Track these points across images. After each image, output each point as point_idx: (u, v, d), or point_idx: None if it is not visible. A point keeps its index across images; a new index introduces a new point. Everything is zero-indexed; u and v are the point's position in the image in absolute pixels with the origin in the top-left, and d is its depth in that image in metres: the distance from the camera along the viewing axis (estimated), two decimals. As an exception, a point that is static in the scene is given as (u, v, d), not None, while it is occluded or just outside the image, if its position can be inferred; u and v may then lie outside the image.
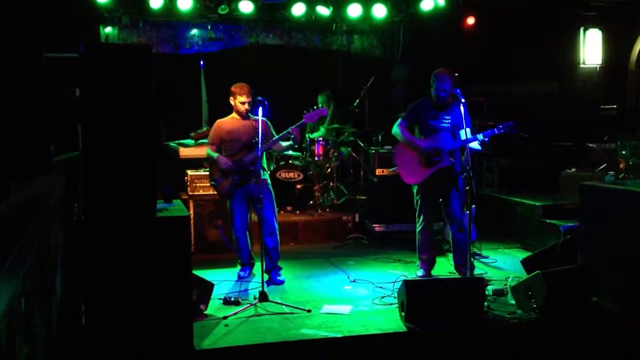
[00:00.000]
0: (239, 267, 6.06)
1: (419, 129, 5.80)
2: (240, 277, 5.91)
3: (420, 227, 5.85)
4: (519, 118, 5.65)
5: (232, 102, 5.84)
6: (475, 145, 5.57)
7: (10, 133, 3.66)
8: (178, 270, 4.08)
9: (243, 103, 5.75)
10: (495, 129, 5.48)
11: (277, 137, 5.77)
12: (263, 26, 9.24)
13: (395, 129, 5.82)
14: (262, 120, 5.45)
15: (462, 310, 4.63)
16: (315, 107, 5.69)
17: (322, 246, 7.53)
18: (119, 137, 3.90)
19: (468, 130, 5.48)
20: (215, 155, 5.82)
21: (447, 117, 5.65)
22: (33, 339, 2.58)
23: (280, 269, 5.92)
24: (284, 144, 5.85)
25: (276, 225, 5.85)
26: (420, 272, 5.92)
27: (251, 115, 5.78)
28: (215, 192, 6.02)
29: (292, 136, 5.67)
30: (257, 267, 6.01)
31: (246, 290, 5.52)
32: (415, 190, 5.84)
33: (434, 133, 5.65)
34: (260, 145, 5.34)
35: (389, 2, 9.09)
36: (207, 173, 6.79)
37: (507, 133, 5.47)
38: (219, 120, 5.96)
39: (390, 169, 7.48)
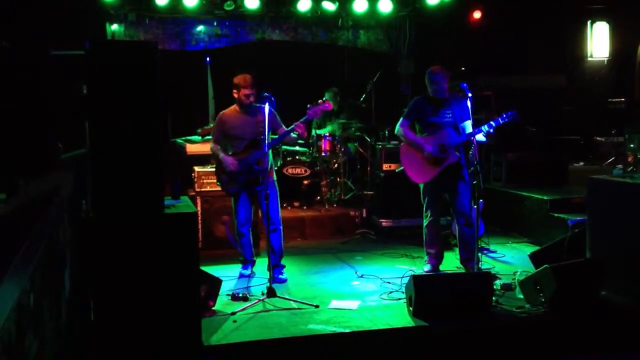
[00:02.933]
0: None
1: (420, 127, 5.76)
2: (242, 276, 5.86)
3: (427, 222, 5.84)
4: (527, 112, 5.63)
5: (235, 95, 5.69)
6: (480, 137, 5.54)
7: (18, 131, 3.67)
8: (186, 266, 4.09)
9: (248, 96, 5.60)
10: (500, 119, 5.41)
11: (279, 135, 5.70)
12: (269, 22, 9.26)
13: (398, 129, 5.77)
14: (267, 113, 5.41)
15: (470, 305, 4.63)
16: (319, 101, 5.60)
17: (329, 242, 7.53)
18: (125, 134, 3.91)
19: (469, 122, 5.47)
20: (221, 155, 5.73)
21: (448, 112, 5.60)
22: (42, 335, 2.60)
23: (284, 267, 5.88)
24: (292, 135, 5.72)
25: (280, 222, 5.82)
26: (427, 267, 5.91)
27: (255, 105, 5.65)
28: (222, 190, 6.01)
29: (297, 133, 5.63)
30: (258, 265, 6.01)
31: (258, 285, 5.51)
32: (422, 187, 5.83)
33: (438, 129, 5.60)
34: (266, 143, 5.28)
35: (395, -3, 9.09)
36: (214, 169, 6.82)
37: (511, 122, 5.42)
38: (222, 113, 5.84)
39: (397, 169, 7.46)
